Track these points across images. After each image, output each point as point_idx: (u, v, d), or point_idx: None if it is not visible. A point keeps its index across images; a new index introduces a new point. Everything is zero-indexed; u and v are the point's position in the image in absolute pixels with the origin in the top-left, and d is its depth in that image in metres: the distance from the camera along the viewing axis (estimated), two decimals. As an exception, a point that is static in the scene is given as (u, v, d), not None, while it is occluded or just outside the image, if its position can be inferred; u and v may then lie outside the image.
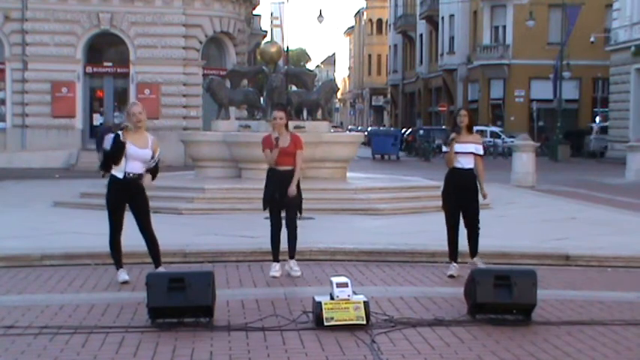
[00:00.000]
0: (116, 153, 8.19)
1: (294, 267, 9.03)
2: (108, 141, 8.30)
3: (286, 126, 9.03)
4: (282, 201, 8.88)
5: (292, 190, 8.84)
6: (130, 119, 8.34)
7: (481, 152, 9.26)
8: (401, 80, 73.72)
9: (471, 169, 9.13)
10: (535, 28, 44.72)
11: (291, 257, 9.07)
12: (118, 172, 8.30)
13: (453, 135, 9.06)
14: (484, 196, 9.26)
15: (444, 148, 9.38)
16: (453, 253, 9.18)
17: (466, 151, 9.07)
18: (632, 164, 26.13)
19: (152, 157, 8.42)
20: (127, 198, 8.38)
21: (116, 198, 8.36)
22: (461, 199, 9.08)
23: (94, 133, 29.23)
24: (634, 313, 7.53)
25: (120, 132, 8.33)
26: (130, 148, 8.22)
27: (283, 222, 9.02)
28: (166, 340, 6.35)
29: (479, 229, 9.19)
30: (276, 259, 9.02)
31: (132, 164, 8.28)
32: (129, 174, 8.28)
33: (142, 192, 8.44)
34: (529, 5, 45.87)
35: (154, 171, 8.51)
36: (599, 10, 47.06)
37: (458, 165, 9.09)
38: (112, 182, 8.37)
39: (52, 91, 32.11)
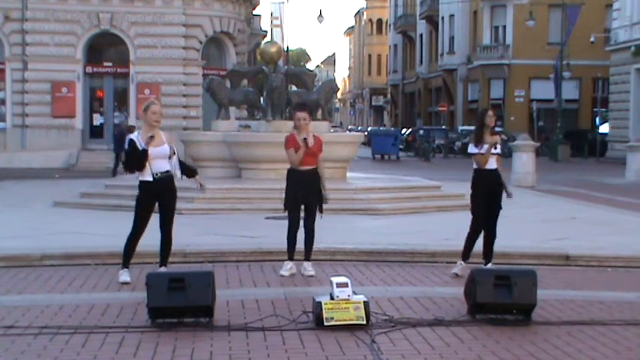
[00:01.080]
0: (142, 161, 8.25)
1: (309, 267, 9.01)
2: (128, 142, 8.41)
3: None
4: (308, 200, 8.88)
5: (326, 194, 8.92)
6: (149, 117, 8.41)
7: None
8: (401, 80, 73.71)
9: (497, 169, 9.14)
10: (535, 28, 44.71)
11: (307, 259, 9.06)
12: (146, 176, 8.36)
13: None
14: (509, 195, 9.21)
15: (474, 149, 9.09)
16: (467, 254, 9.17)
17: (496, 153, 9.09)
18: (632, 164, 26.13)
19: (172, 151, 8.51)
20: (158, 197, 8.48)
21: (149, 199, 8.46)
22: (489, 200, 9.07)
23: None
24: (634, 313, 7.52)
25: (134, 137, 8.39)
26: (150, 151, 8.28)
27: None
28: (166, 340, 6.35)
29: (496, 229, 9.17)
30: (291, 258, 9.00)
31: (157, 164, 8.37)
32: (157, 174, 8.37)
33: (174, 191, 8.59)
34: (529, 5, 45.85)
35: (187, 169, 8.70)
36: (599, 10, 47.04)
37: (488, 166, 9.08)
38: (143, 185, 8.43)
39: (52, 91, 32.11)
